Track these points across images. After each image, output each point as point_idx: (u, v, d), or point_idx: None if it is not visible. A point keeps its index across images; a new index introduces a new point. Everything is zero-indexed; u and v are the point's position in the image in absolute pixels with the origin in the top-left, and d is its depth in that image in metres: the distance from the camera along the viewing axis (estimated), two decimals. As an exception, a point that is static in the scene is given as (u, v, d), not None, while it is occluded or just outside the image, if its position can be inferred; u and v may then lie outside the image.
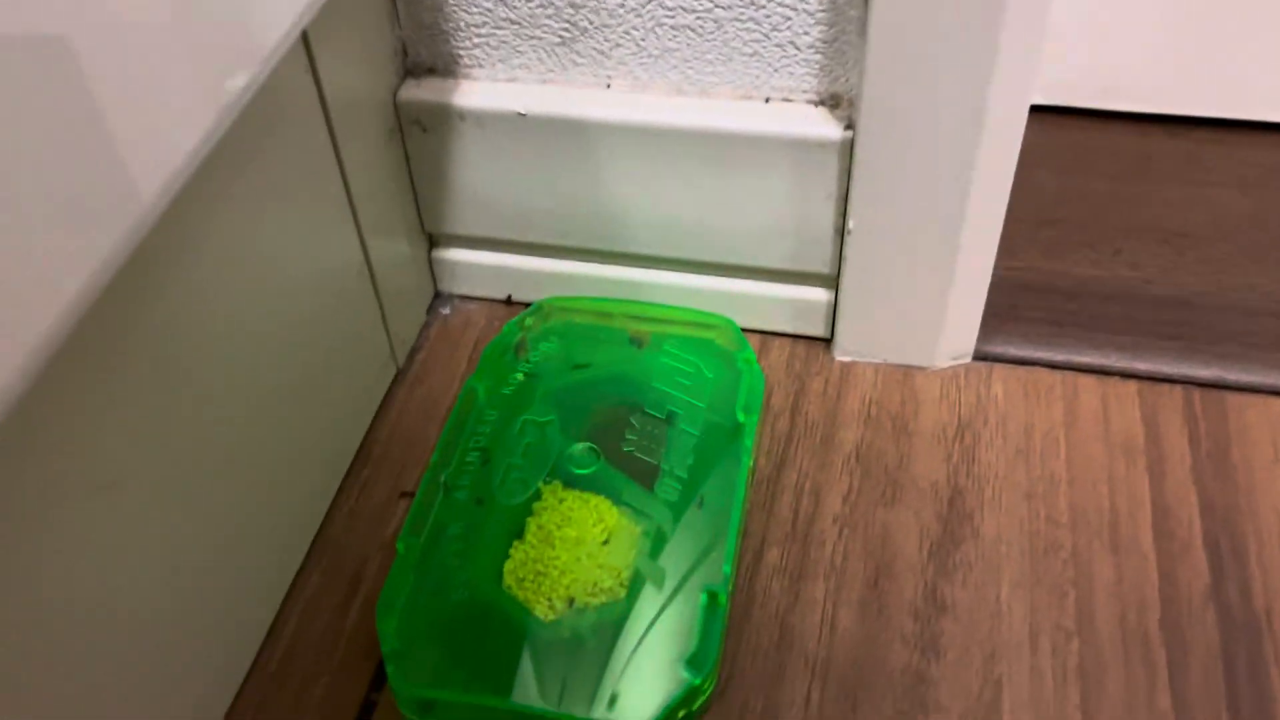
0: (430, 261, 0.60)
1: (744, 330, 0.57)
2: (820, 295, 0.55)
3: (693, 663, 0.42)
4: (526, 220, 0.56)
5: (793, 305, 0.56)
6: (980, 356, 0.56)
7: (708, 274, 0.56)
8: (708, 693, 0.43)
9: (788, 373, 0.56)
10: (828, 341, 0.57)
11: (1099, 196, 0.64)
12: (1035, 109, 0.70)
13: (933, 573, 0.47)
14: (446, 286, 0.61)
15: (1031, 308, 0.58)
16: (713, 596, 0.43)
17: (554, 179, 0.53)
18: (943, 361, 0.55)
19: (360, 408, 0.54)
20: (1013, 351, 0.56)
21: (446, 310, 0.60)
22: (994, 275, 0.59)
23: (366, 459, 0.53)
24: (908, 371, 0.55)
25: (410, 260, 0.57)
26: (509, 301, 0.60)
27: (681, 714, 0.41)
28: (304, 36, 0.43)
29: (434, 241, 0.59)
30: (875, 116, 0.46)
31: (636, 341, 0.54)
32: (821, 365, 0.56)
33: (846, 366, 0.56)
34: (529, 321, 0.55)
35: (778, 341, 0.58)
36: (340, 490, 0.52)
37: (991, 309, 0.57)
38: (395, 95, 0.52)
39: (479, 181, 0.55)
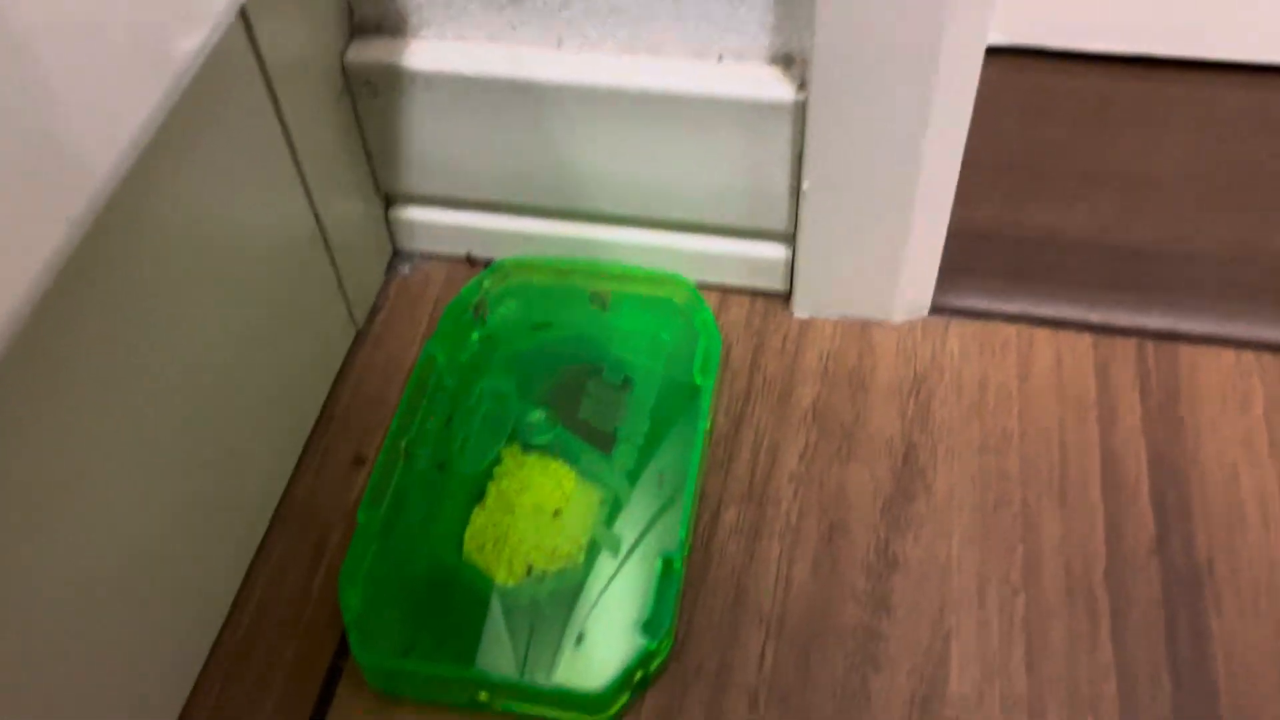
0: (388, 220, 0.59)
1: (704, 286, 0.57)
2: (779, 252, 0.55)
3: (648, 628, 0.43)
4: (482, 180, 0.55)
5: (752, 261, 0.56)
6: (937, 310, 0.56)
7: (667, 231, 0.56)
8: (664, 655, 0.44)
9: (747, 329, 0.56)
10: (787, 297, 0.57)
11: (1060, 142, 0.64)
12: (997, 50, 0.69)
13: (885, 529, 0.48)
14: (405, 245, 0.60)
15: (989, 259, 0.58)
16: (667, 563, 0.44)
17: (506, 139, 0.53)
18: (900, 316, 0.56)
19: (320, 371, 0.54)
20: (969, 304, 0.56)
21: (406, 269, 0.60)
22: (952, 226, 0.60)
23: (329, 423, 0.54)
24: (865, 326, 0.56)
25: (366, 220, 0.57)
26: (469, 259, 0.60)
27: (639, 676, 0.43)
28: None
29: (391, 200, 0.59)
30: (827, 77, 0.46)
31: (598, 301, 0.55)
32: (780, 321, 0.57)
33: (805, 322, 0.56)
34: (487, 282, 0.55)
35: (737, 297, 0.58)
36: (303, 455, 0.53)
37: (949, 261, 0.57)
38: (343, 57, 0.51)
39: (432, 142, 0.54)
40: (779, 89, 0.48)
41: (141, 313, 0.40)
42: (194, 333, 0.43)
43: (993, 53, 0.70)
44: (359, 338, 0.57)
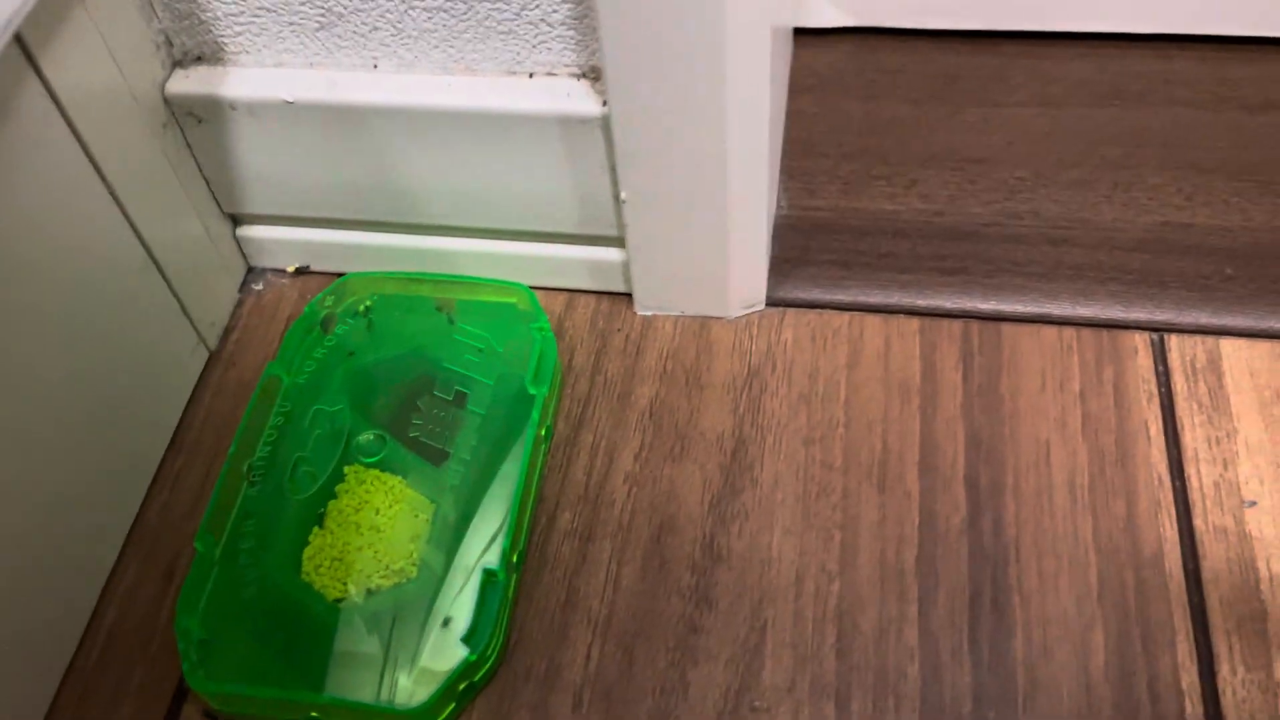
0: (237, 239, 0.60)
1: (550, 289, 0.59)
2: (616, 255, 0.57)
3: (468, 640, 0.45)
4: (320, 199, 0.56)
5: (592, 265, 0.57)
6: (775, 303, 0.58)
7: (508, 240, 0.57)
8: (491, 662, 0.46)
9: (591, 331, 0.58)
10: (631, 296, 0.58)
11: (902, 123, 0.65)
12: (844, 31, 0.70)
13: (712, 524, 0.50)
14: (257, 262, 0.61)
15: (823, 250, 0.59)
16: (490, 575, 0.46)
17: (335, 161, 0.54)
18: (736, 311, 0.57)
19: (170, 395, 0.56)
20: (805, 296, 0.58)
21: (259, 286, 0.61)
22: (791, 218, 0.61)
23: (180, 447, 0.55)
24: (705, 323, 0.57)
25: (209, 242, 0.57)
26: (320, 274, 0.61)
27: (462, 686, 0.45)
28: (20, 40, 0.43)
29: (238, 220, 0.60)
30: (621, 89, 0.47)
31: (442, 313, 0.56)
32: (624, 321, 0.58)
33: (648, 320, 0.58)
34: (328, 300, 0.56)
35: (584, 299, 0.59)
36: (155, 479, 0.54)
37: (786, 253, 0.59)
38: (163, 88, 0.52)
39: (266, 165, 0.55)
40: (586, 103, 0.49)
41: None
42: (18, 363, 0.44)
43: (842, 34, 0.71)
44: (212, 358, 0.58)
